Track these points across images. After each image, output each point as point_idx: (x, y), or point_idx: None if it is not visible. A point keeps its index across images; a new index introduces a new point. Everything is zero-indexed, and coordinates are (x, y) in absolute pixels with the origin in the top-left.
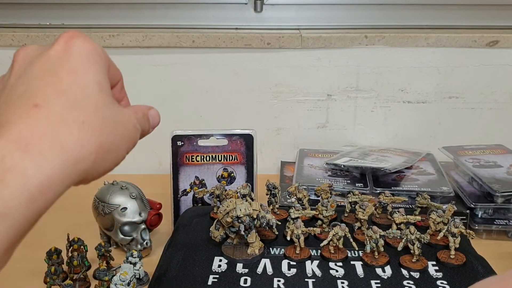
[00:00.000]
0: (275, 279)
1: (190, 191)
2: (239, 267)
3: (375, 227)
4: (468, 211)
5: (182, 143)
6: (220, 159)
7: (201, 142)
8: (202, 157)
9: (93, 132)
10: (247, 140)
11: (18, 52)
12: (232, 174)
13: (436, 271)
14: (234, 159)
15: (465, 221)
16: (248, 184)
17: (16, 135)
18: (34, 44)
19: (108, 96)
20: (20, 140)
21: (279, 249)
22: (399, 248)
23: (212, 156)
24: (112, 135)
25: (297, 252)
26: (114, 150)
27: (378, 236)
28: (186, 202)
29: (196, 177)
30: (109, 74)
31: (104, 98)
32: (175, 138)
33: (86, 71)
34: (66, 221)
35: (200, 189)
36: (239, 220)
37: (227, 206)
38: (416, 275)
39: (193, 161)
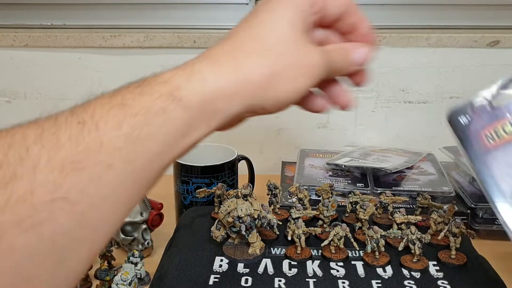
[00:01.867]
0: (276, 279)
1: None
2: (240, 267)
3: (376, 227)
4: (469, 211)
5: None
6: None
7: None
8: None
9: (268, 61)
10: None
11: None
12: None
13: (437, 271)
14: None
15: (466, 221)
16: (249, 184)
17: (208, 52)
18: None
19: (296, 33)
20: (210, 55)
21: (280, 249)
22: (400, 248)
23: None
24: (289, 67)
25: (298, 252)
26: (289, 82)
27: (379, 236)
28: None
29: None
30: (320, 8)
31: (290, 34)
32: None
33: (281, 10)
34: None
35: (201, 189)
36: (240, 220)
37: (228, 206)
38: (417, 275)
39: None
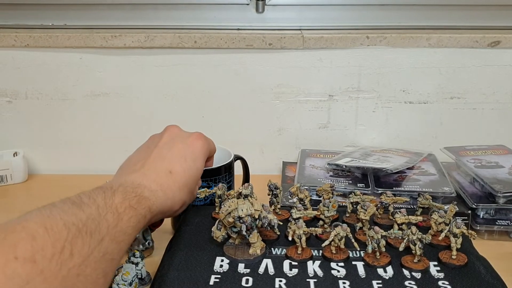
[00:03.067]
0: (277, 279)
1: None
2: (241, 267)
3: (376, 228)
4: (469, 211)
5: None
6: None
7: None
8: None
9: (184, 193)
10: None
11: (171, 127)
12: None
13: (438, 271)
14: None
15: (467, 221)
16: (250, 184)
17: (153, 177)
18: (178, 126)
19: (199, 175)
20: (156, 181)
21: (280, 249)
22: (401, 249)
23: None
24: (187, 197)
25: (299, 252)
26: (182, 204)
27: (379, 237)
28: None
29: None
30: (209, 154)
31: (198, 178)
32: None
33: (198, 160)
34: None
35: (202, 189)
36: (241, 220)
37: (229, 206)
38: (418, 275)
39: None
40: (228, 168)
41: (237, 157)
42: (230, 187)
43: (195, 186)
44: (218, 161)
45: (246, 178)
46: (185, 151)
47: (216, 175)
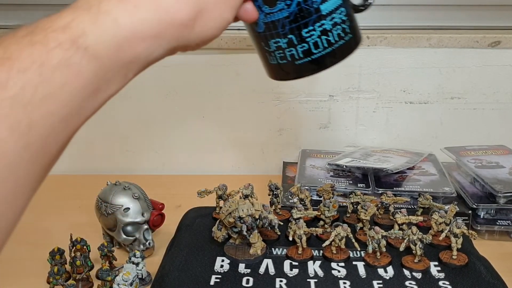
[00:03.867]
0: (277, 279)
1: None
2: (241, 267)
3: (377, 228)
4: (470, 211)
5: None
6: None
7: None
8: None
9: None
10: None
11: None
12: None
13: (438, 271)
14: None
15: (467, 221)
16: (251, 184)
17: None
18: None
19: None
20: None
21: (281, 249)
22: (401, 249)
23: None
24: (217, 1)
25: (299, 252)
26: (216, 17)
27: (380, 237)
28: None
29: None
30: None
31: None
32: None
33: None
34: (69, 221)
35: (203, 190)
36: (242, 221)
37: (230, 207)
38: (418, 275)
39: None
40: None
41: None
42: None
43: None
44: None
45: None
46: None
47: None
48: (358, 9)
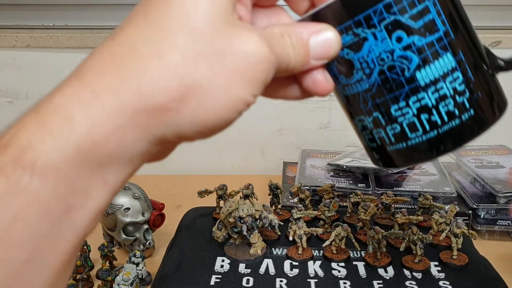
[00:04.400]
0: (278, 279)
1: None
2: (242, 267)
3: (377, 228)
4: (470, 211)
5: None
6: None
7: None
8: None
9: (177, 68)
10: None
11: None
12: None
13: (439, 271)
14: None
15: (468, 221)
16: (251, 184)
17: (81, 66)
18: None
19: (220, 15)
20: (82, 73)
21: (281, 249)
22: (402, 249)
23: None
24: (211, 71)
25: (300, 252)
26: (217, 94)
27: (380, 237)
28: None
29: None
30: None
31: (206, 18)
32: None
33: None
34: None
35: (203, 190)
36: (242, 221)
37: (230, 207)
38: (419, 275)
39: None
40: None
41: None
42: None
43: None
44: None
45: None
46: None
47: None
48: (500, 66)
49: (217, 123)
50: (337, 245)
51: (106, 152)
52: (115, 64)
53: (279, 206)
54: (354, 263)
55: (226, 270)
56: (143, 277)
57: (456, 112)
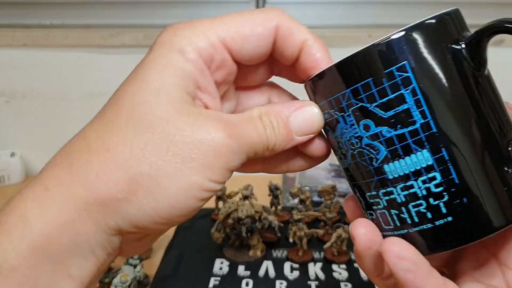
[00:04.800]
0: (278, 282)
1: None
2: (241, 270)
3: None
4: None
5: None
6: None
7: None
8: None
9: (124, 160)
10: None
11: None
12: None
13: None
14: None
15: None
16: (250, 185)
17: (46, 165)
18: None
19: (166, 106)
20: (39, 174)
21: (281, 251)
22: None
23: None
24: (161, 159)
25: (300, 254)
26: (167, 180)
27: None
28: None
29: None
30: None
31: (156, 110)
32: None
33: (153, 80)
34: None
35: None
36: (241, 222)
37: (229, 208)
38: None
39: None
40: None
41: None
42: None
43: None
44: None
45: None
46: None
47: None
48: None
49: (172, 212)
50: (338, 246)
51: (63, 246)
52: (68, 160)
53: (279, 207)
54: (356, 265)
55: (225, 273)
56: (141, 280)
57: (429, 215)
